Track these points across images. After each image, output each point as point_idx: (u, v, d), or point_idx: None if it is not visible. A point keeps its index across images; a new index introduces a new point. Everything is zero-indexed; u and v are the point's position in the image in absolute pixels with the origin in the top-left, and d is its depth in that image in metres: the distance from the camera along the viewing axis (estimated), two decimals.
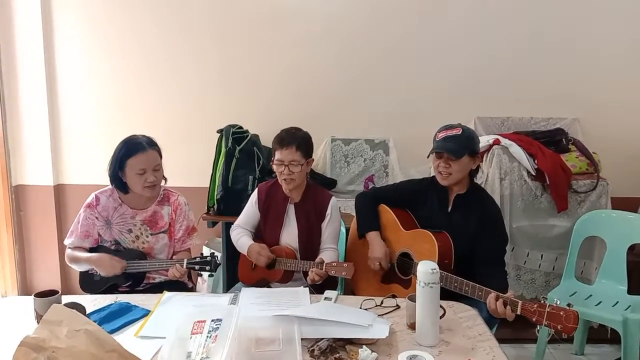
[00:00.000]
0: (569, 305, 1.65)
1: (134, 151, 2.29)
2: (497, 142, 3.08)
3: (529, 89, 3.45)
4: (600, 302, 2.78)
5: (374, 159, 3.48)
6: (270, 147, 3.31)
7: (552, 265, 3.20)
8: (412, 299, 1.79)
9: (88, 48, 3.60)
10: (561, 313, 1.65)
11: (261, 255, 2.35)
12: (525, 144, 3.10)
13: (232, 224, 2.78)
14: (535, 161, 3.06)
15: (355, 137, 3.49)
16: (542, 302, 1.75)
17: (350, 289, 2.61)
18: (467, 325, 1.81)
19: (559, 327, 1.65)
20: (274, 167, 2.40)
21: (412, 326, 1.77)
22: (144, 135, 2.38)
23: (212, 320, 1.56)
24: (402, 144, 3.46)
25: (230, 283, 3.21)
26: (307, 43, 3.48)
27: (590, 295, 2.86)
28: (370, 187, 3.19)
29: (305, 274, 2.38)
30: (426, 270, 1.64)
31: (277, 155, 2.37)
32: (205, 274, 2.41)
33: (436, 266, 1.66)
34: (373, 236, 2.42)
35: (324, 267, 2.21)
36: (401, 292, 2.30)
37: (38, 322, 1.76)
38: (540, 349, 2.84)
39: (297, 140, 2.36)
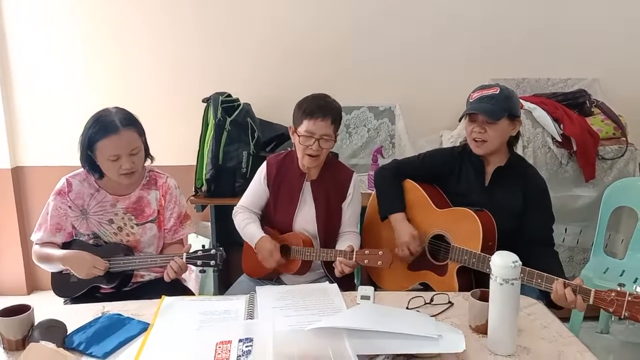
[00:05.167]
0: None
1: (103, 133, 1.85)
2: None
3: (544, 47, 3.17)
4: (637, 278, 2.55)
5: (378, 129, 3.14)
6: (263, 118, 3.01)
7: (576, 239, 2.96)
8: (476, 295, 1.49)
9: (44, 10, 3.14)
10: None
11: (272, 257, 2.01)
12: (550, 107, 2.81)
13: (224, 207, 2.41)
14: (562, 126, 2.78)
15: (357, 104, 3.15)
16: (619, 289, 1.46)
17: (369, 277, 2.28)
18: (540, 324, 1.52)
19: None
20: (299, 139, 2.02)
21: (477, 329, 1.46)
22: (118, 109, 1.94)
23: (240, 341, 1.20)
24: (410, 111, 3.14)
25: (223, 275, 2.85)
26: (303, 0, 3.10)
27: (624, 271, 2.64)
28: (378, 159, 2.85)
29: (325, 263, 2.04)
30: (506, 264, 1.32)
31: (306, 126, 2.00)
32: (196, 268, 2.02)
33: (517, 258, 1.34)
34: (398, 219, 2.11)
35: (354, 256, 1.86)
36: (434, 281, 2.03)
37: (4, 347, 1.38)
38: (574, 331, 2.59)
39: (333, 112, 2.02)
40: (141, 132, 1.96)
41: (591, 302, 1.49)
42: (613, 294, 1.43)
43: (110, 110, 1.92)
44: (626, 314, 1.40)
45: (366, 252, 1.87)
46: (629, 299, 1.40)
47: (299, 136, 2.02)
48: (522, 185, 2.01)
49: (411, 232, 2.05)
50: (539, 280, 1.65)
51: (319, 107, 2.00)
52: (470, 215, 1.93)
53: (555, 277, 1.60)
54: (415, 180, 2.18)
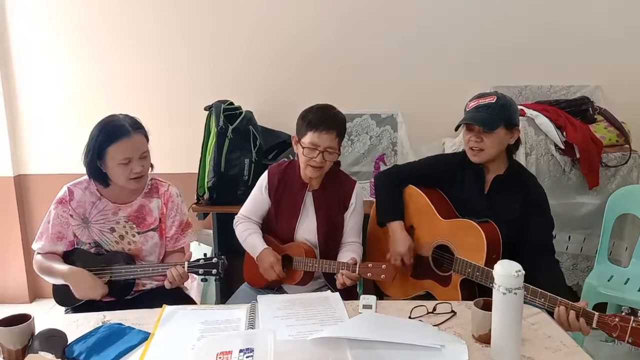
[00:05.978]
0: None
1: (115, 137, 1.87)
2: (522, 113, 2.76)
3: (546, 54, 3.14)
4: None
5: (380, 136, 3.13)
6: (265, 126, 3.00)
7: (579, 247, 2.93)
8: (479, 304, 1.47)
9: (47, 17, 3.15)
10: None
11: (274, 269, 2.00)
12: (553, 114, 2.80)
13: (227, 215, 2.40)
14: (564, 133, 2.76)
15: (360, 111, 3.12)
16: (623, 313, 1.44)
17: (373, 283, 2.27)
18: (544, 333, 1.50)
19: None
20: (302, 150, 2.00)
21: (480, 339, 1.45)
22: (125, 115, 1.96)
23: (241, 351, 1.19)
24: (412, 119, 3.12)
25: (225, 284, 2.84)
26: (304, 6, 3.09)
27: (628, 279, 2.63)
28: (380, 167, 2.84)
29: (327, 273, 2.03)
30: (509, 273, 1.31)
31: (311, 138, 1.97)
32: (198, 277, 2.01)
33: (520, 267, 1.33)
34: (396, 227, 2.10)
35: (357, 269, 1.85)
36: (438, 290, 2.02)
37: (4, 358, 1.38)
38: (578, 340, 2.57)
39: (338, 124, 2.00)
40: (147, 137, 1.98)
41: (594, 325, 1.46)
42: (617, 319, 1.40)
43: (118, 116, 1.95)
44: (630, 340, 1.37)
45: (369, 265, 1.85)
46: (633, 324, 1.37)
47: (302, 147, 1.99)
48: (520, 193, 1.99)
49: (408, 244, 2.04)
50: (542, 300, 1.61)
51: (324, 119, 1.97)
52: (475, 227, 1.90)
53: (559, 298, 1.56)
54: (416, 185, 2.17)
